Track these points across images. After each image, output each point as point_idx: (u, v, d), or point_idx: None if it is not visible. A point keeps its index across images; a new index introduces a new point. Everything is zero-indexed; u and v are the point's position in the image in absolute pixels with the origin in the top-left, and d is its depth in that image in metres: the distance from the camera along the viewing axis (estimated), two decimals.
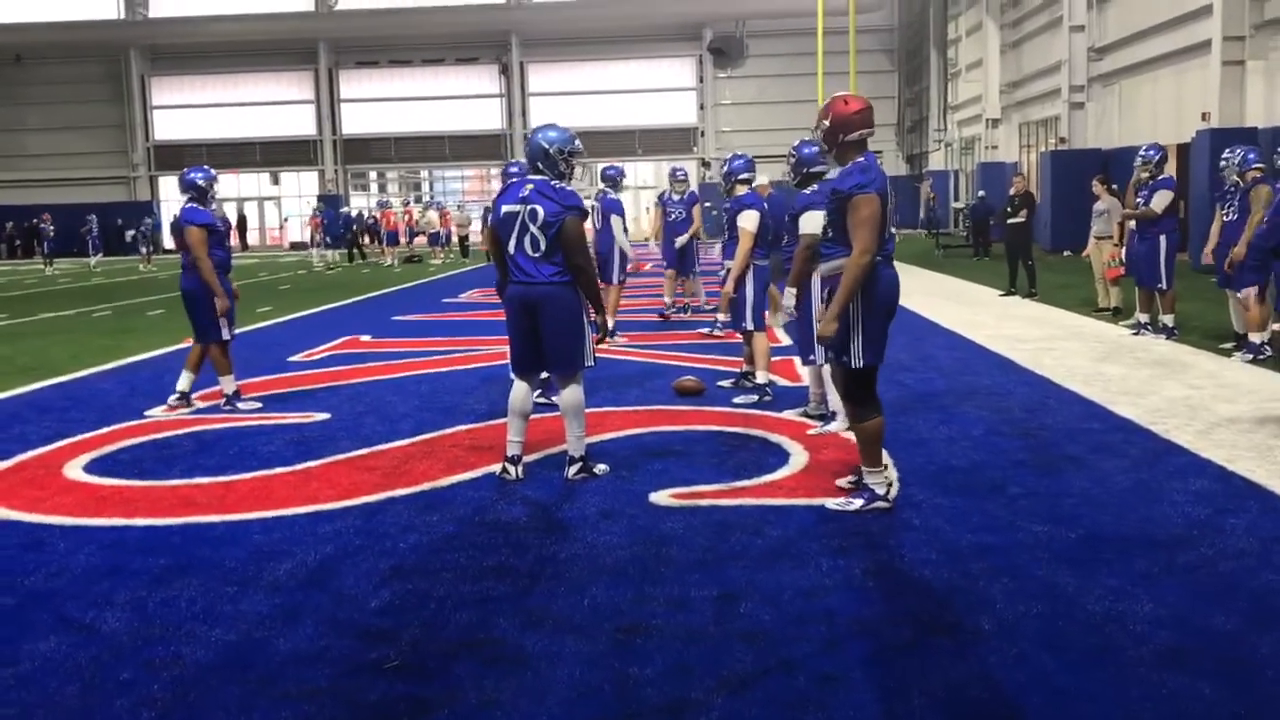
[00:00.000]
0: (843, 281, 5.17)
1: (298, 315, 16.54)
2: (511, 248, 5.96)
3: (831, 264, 5.47)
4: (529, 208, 5.90)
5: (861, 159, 5.29)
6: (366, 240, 34.18)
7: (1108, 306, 13.38)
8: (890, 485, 5.53)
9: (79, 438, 7.62)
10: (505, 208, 5.97)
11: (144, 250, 35.10)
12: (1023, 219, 16.00)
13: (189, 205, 8.49)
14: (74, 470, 6.67)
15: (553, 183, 5.99)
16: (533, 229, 5.89)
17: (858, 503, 5.41)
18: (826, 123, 5.34)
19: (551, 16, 46.96)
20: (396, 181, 52.64)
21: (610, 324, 10.79)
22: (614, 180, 12.36)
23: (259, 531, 5.32)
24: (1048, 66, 30.38)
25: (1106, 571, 4.47)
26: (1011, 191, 16.72)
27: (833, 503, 5.49)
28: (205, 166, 9.02)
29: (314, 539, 5.17)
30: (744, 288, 8.35)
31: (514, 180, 6.23)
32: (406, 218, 36.18)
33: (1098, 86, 27.48)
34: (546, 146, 6.03)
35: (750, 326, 8.43)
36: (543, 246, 5.89)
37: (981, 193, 29.06)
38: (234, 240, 47.88)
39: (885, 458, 5.65)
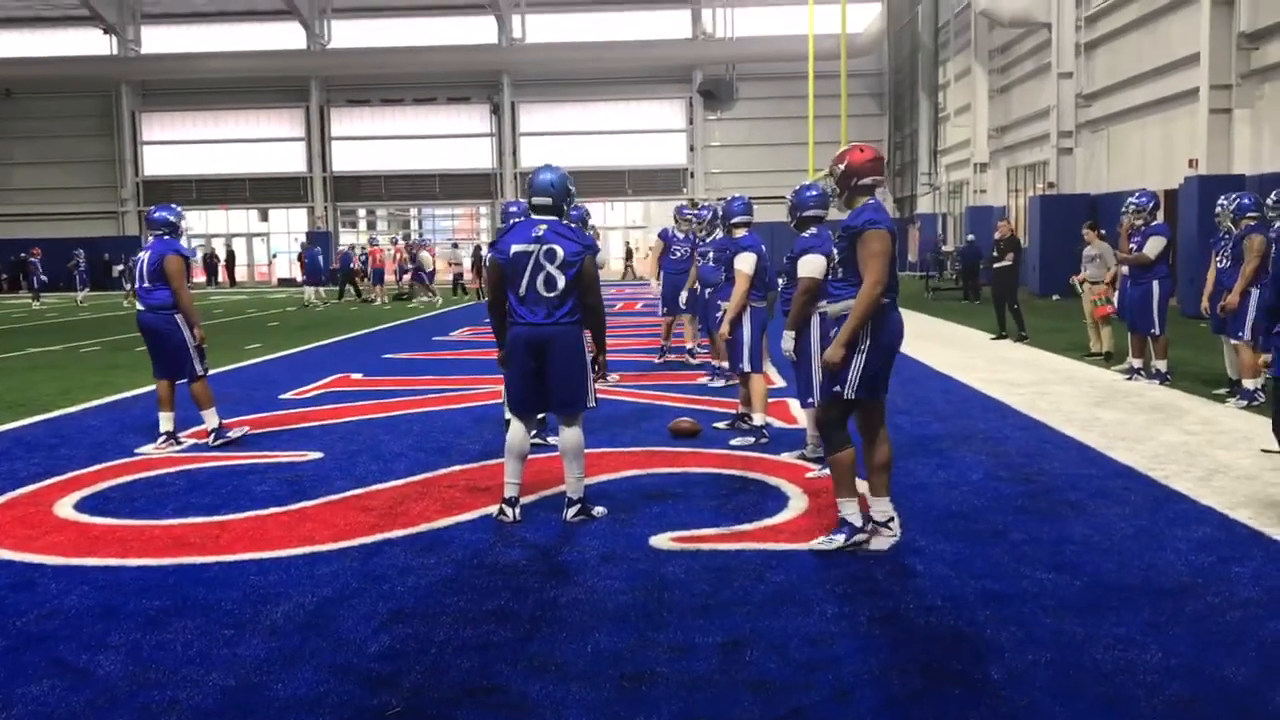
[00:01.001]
0: (854, 310, 5.32)
1: (287, 353, 16.46)
2: (522, 288, 5.92)
3: (839, 305, 5.52)
4: (545, 247, 5.89)
5: (871, 200, 5.56)
6: (362, 280, 34.03)
7: (1099, 351, 13.41)
8: (891, 521, 5.60)
9: (69, 475, 7.53)
10: (516, 247, 5.94)
11: (128, 285, 34.98)
12: (1009, 263, 16.09)
13: (166, 238, 8.47)
14: (65, 509, 6.59)
15: (564, 222, 6.02)
16: (549, 268, 5.88)
17: (839, 539, 5.45)
18: (841, 167, 5.62)
19: (543, 57, 47.33)
20: (386, 219, 52.72)
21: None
22: (582, 220, 12.19)
23: (254, 573, 5.25)
24: (1036, 112, 30.68)
25: (1114, 620, 4.43)
26: (996, 236, 16.85)
27: (815, 543, 5.52)
28: (172, 205, 9.01)
29: (311, 581, 5.10)
30: (741, 329, 8.35)
31: (519, 220, 6.21)
32: (396, 255, 36.16)
33: (1086, 132, 27.74)
34: (570, 187, 6.12)
35: (747, 368, 8.42)
36: (560, 286, 5.87)
37: (971, 236, 29.30)
38: (223, 276, 47.99)
39: (888, 504, 5.67)
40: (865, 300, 5.28)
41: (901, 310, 5.63)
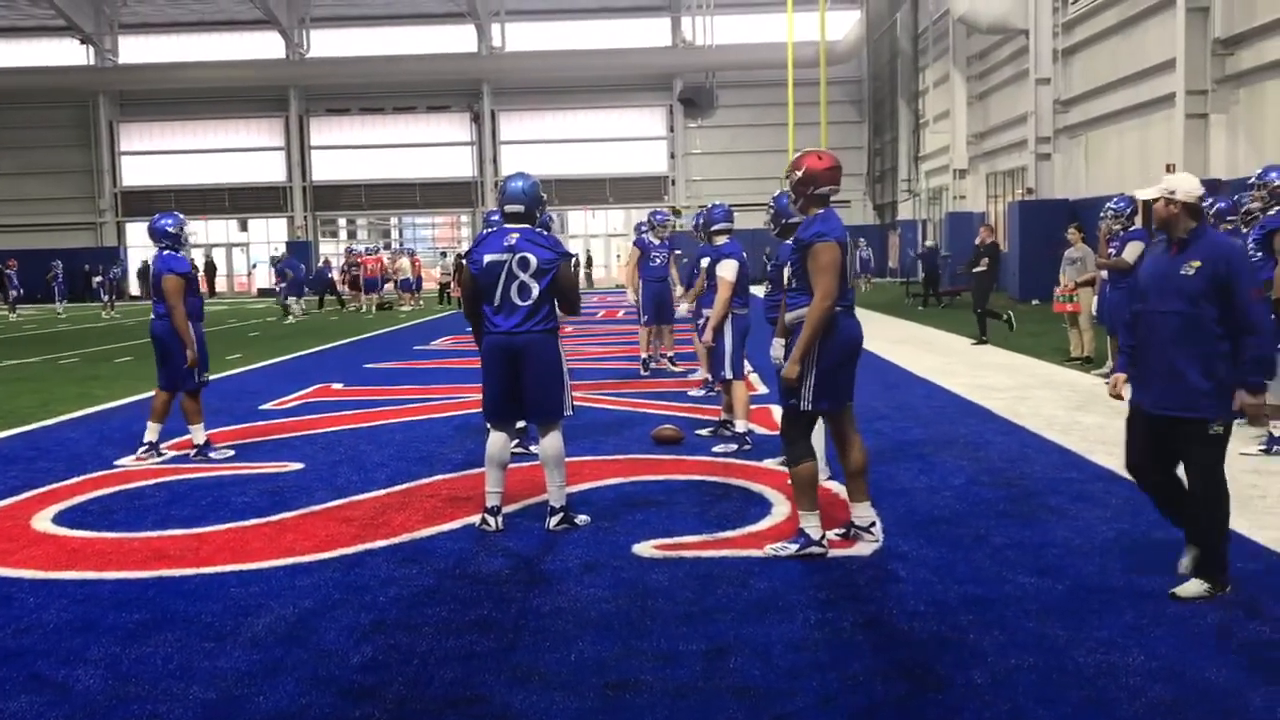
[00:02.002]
0: (805, 325, 5.34)
1: (268, 363, 16.39)
2: (496, 297, 5.92)
3: (796, 313, 5.53)
4: (518, 256, 5.89)
5: (822, 211, 5.52)
6: (347, 290, 33.90)
7: (1079, 355, 13.48)
8: (874, 525, 5.67)
9: (47, 488, 7.47)
10: (489, 257, 5.94)
11: (107, 297, 34.77)
12: (984, 268, 16.21)
13: (166, 253, 8.43)
14: (43, 522, 6.54)
15: (537, 229, 6.03)
16: (523, 277, 5.88)
17: (793, 548, 5.47)
18: (798, 174, 5.57)
19: (524, 65, 47.33)
20: (366, 228, 52.59)
21: None
22: (545, 226, 11.96)
23: (235, 585, 5.22)
24: (1014, 118, 30.83)
25: (1096, 623, 4.44)
26: (976, 241, 16.98)
27: (769, 547, 5.53)
28: (174, 212, 8.94)
29: (292, 592, 5.07)
30: (722, 337, 8.36)
31: (492, 229, 6.21)
32: (378, 266, 36.11)
33: (1064, 138, 27.89)
34: (541, 195, 6.13)
35: (729, 375, 8.43)
36: (534, 293, 5.88)
37: (930, 242, 29.52)
38: (203, 287, 47.74)
39: (868, 509, 5.69)
40: (816, 315, 5.28)
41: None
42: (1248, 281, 4.66)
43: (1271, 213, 7.97)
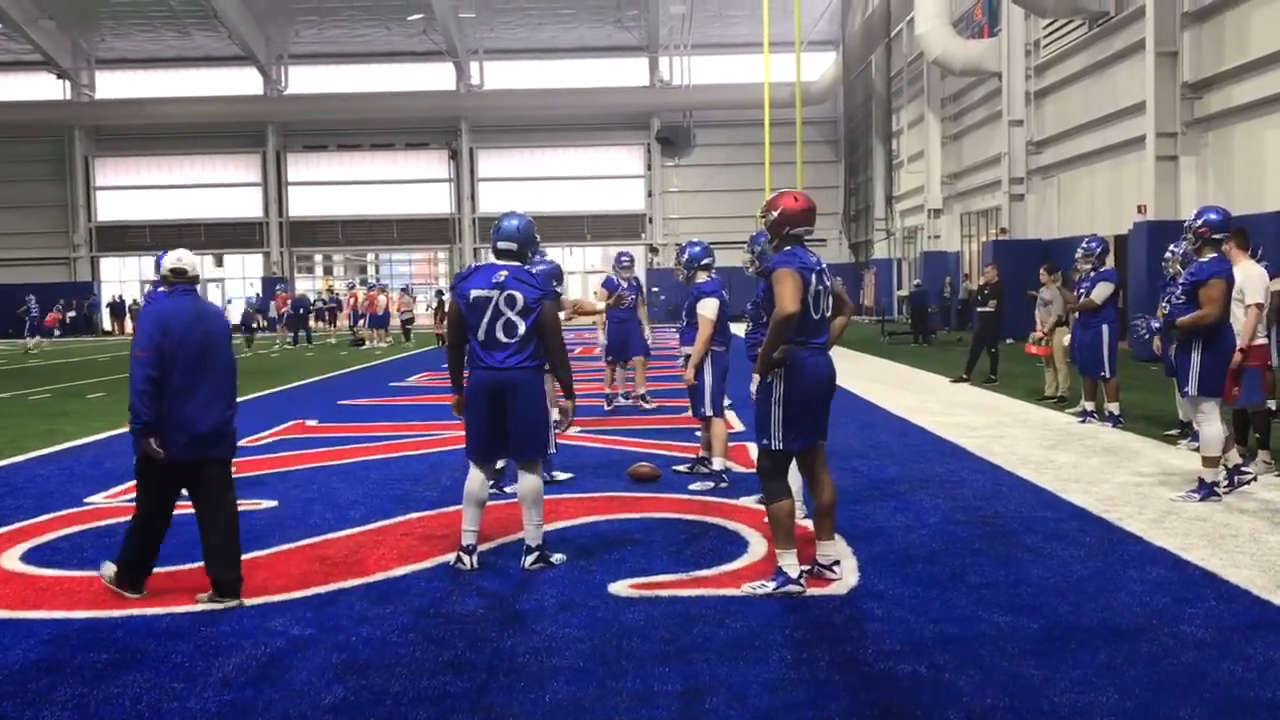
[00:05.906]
0: (767, 337, 5.40)
1: (242, 399, 16.25)
2: (481, 334, 5.93)
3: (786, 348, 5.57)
4: (506, 293, 5.91)
5: (789, 248, 5.62)
6: (319, 322, 33.88)
7: (1054, 394, 13.56)
8: (836, 565, 5.70)
9: (16, 526, 7.38)
10: (475, 293, 5.94)
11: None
12: (991, 309, 16.37)
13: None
14: (10, 560, 6.45)
15: (525, 267, 6.05)
16: (510, 314, 5.90)
17: (770, 586, 5.48)
18: (775, 214, 5.68)
19: (502, 103, 47.57)
20: (343, 264, 52.52)
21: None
22: (556, 275, 11.98)
23: (206, 624, 5.16)
24: (988, 159, 31.18)
25: (1071, 662, 4.45)
26: (981, 281, 17.15)
27: (747, 586, 5.54)
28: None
29: (264, 632, 5.02)
30: (702, 374, 8.37)
31: (477, 265, 6.22)
32: (351, 300, 36.00)
33: (1037, 179, 28.21)
34: (535, 235, 6.18)
35: (709, 412, 8.43)
36: (520, 331, 5.90)
37: (918, 281, 29.66)
38: None
39: (836, 545, 5.74)
40: (775, 324, 5.35)
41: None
42: None
43: (1204, 259, 7.87)
